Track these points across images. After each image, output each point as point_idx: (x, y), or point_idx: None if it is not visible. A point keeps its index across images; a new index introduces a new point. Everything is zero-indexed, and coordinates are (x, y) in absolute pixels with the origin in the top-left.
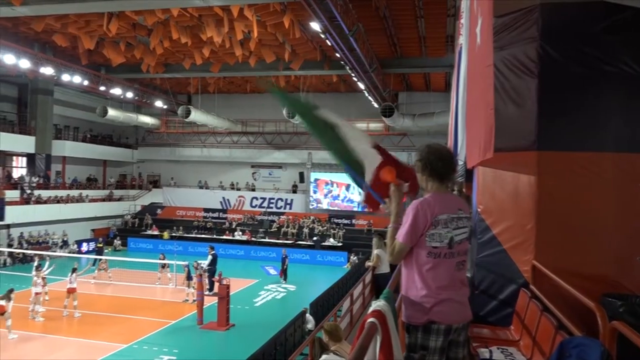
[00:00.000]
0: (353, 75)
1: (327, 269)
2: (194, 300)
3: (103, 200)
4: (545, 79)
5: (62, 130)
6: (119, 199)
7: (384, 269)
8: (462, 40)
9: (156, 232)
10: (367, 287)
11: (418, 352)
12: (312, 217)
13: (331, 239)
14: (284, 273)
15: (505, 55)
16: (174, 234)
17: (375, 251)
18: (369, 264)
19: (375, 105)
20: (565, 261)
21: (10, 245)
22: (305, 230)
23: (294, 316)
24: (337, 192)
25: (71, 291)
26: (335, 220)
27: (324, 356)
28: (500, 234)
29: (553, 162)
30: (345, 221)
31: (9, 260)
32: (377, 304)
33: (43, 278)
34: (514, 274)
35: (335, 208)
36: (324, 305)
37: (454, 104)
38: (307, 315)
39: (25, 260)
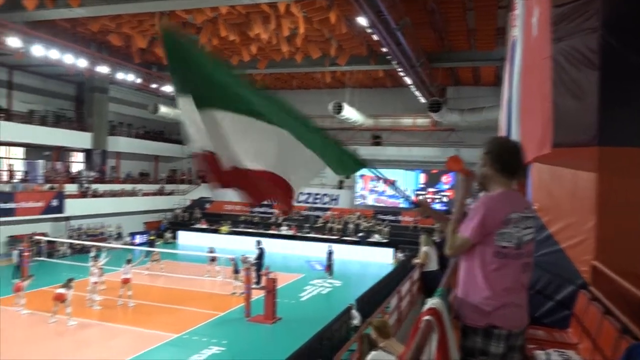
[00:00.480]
0: (400, 70)
1: (373, 265)
2: (242, 293)
3: (155, 194)
4: (606, 71)
5: (116, 126)
6: (170, 193)
7: (432, 266)
8: (516, 32)
9: (205, 226)
10: (415, 285)
11: (477, 357)
12: (357, 213)
13: (377, 235)
14: (329, 268)
15: (563, 46)
16: (234, 229)
17: (423, 248)
18: (416, 261)
19: (422, 100)
20: (629, 262)
21: (69, 237)
22: (351, 226)
23: (340, 312)
24: (383, 188)
25: (125, 281)
26: (381, 217)
27: (372, 352)
28: (557, 233)
29: (615, 158)
30: (391, 217)
31: (68, 250)
32: (433, 302)
33: (100, 268)
34: (572, 275)
35: (381, 204)
36: (370, 302)
37: (506, 98)
38: (353, 311)
39: (83, 251)
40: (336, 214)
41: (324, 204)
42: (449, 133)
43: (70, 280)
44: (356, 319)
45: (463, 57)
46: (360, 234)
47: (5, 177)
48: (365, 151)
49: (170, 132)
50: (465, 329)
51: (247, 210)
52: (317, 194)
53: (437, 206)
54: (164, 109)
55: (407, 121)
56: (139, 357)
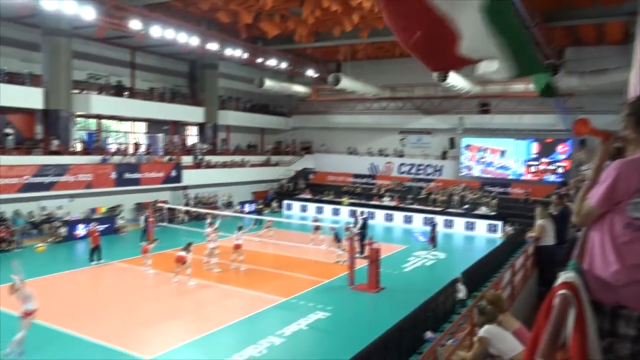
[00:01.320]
0: None
1: (479, 238)
2: (344, 261)
3: (261, 165)
4: None
5: (225, 101)
6: (276, 165)
7: (549, 240)
8: None
9: (309, 196)
10: (529, 259)
11: (605, 339)
12: (462, 185)
13: (483, 208)
14: (433, 240)
15: None
16: (335, 199)
17: (539, 221)
18: (531, 234)
19: None
20: None
21: (187, 205)
22: (456, 197)
23: (445, 284)
24: (491, 158)
25: (237, 247)
26: (488, 188)
27: (487, 326)
28: None
29: None
30: (500, 189)
31: (186, 217)
32: (567, 276)
33: (215, 233)
34: None
35: (489, 175)
36: (476, 276)
37: None
38: (459, 284)
39: (199, 218)
40: (440, 185)
41: (428, 175)
42: (566, 98)
43: (189, 244)
44: (462, 292)
45: (585, 14)
46: (466, 206)
47: (131, 150)
48: (472, 120)
49: (275, 105)
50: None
51: (350, 181)
52: (420, 165)
53: (552, 178)
54: (268, 83)
55: (518, 87)
56: (252, 317)
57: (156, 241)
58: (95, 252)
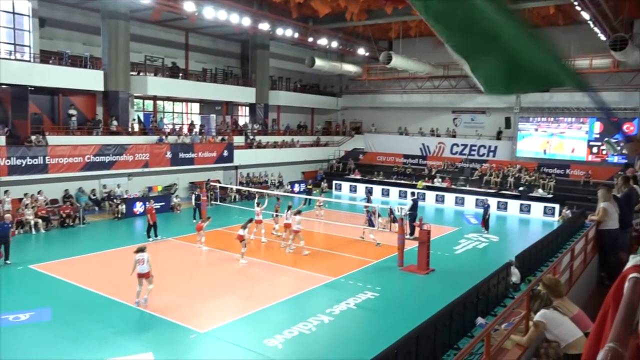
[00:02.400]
0: (576, 3)
1: (534, 221)
2: (378, 244)
3: (311, 145)
4: None
5: (276, 81)
6: (325, 145)
7: (612, 224)
8: None
9: (358, 177)
10: (590, 244)
11: None
12: (518, 166)
13: (540, 190)
14: (485, 223)
15: None
16: (386, 180)
17: (601, 204)
18: (592, 217)
19: (603, 37)
20: None
21: (241, 183)
22: (510, 179)
23: (499, 267)
24: (549, 138)
25: (287, 226)
26: (546, 170)
27: (543, 310)
28: None
29: None
30: (558, 171)
31: (237, 196)
32: (638, 259)
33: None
34: None
35: (546, 156)
36: (531, 259)
37: None
38: (513, 267)
39: (250, 197)
40: (494, 167)
41: (481, 155)
42: (635, 74)
43: (250, 220)
44: (515, 276)
45: None
46: (521, 188)
47: (185, 130)
48: (530, 98)
49: (325, 85)
50: None
51: (400, 162)
52: (473, 145)
53: (615, 159)
54: (319, 62)
55: (582, 63)
56: (301, 295)
57: (209, 219)
58: (152, 229)
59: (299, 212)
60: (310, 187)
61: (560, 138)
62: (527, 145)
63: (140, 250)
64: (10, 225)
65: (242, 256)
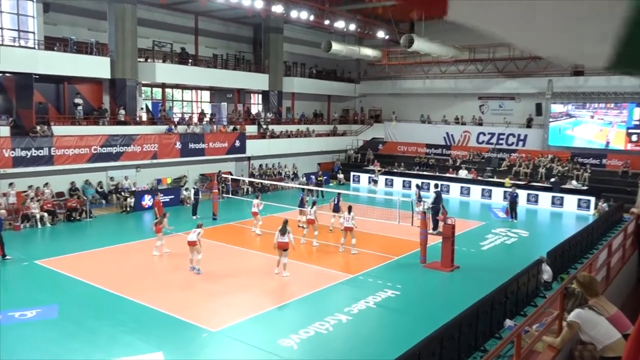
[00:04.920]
0: None
1: (568, 215)
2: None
3: (328, 135)
4: None
5: (290, 67)
6: (342, 134)
7: None
8: None
9: (377, 168)
10: (629, 239)
11: None
12: (550, 156)
13: (573, 182)
14: (510, 212)
15: None
16: (408, 171)
17: None
18: (634, 210)
19: None
20: None
21: (252, 175)
22: (541, 170)
23: (529, 264)
24: (584, 126)
25: (310, 222)
26: (580, 160)
27: (578, 310)
28: None
29: None
30: (593, 161)
31: (250, 189)
32: None
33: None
34: None
35: (580, 145)
36: (564, 256)
37: None
38: (544, 264)
39: (263, 190)
40: (524, 157)
41: (510, 145)
42: None
43: (314, 203)
44: (547, 273)
45: None
46: (553, 180)
47: (195, 120)
48: (563, 83)
49: (342, 71)
50: None
51: (422, 152)
52: (501, 134)
53: None
54: (336, 46)
55: None
56: (318, 293)
57: (166, 215)
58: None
59: (314, 204)
60: (321, 179)
61: (595, 125)
62: (560, 133)
63: (198, 226)
64: (2, 221)
65: (315, 239)
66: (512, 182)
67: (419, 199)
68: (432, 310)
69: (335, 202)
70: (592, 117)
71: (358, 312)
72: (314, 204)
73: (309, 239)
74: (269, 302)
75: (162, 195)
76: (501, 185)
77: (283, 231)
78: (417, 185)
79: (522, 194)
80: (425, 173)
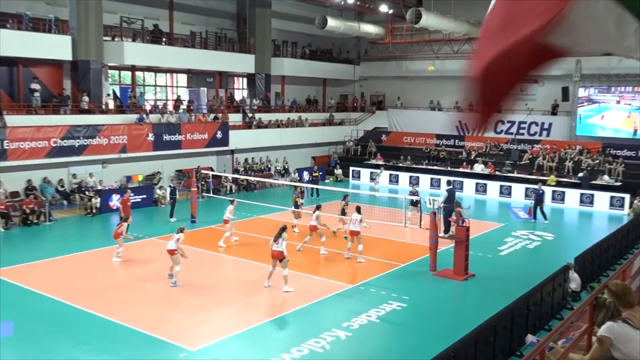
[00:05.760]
0: None
1: (599, 215)
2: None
3: (323, 124)
4: None
5: (280, 46)
6: (340, 123)
7: None
8: None
9: (380, 162)
10: None
11: None
12: (578, 147)
13: (605, 177)
14: (542, 214)
15: None
16: (415, 166)
17: None
18: None
19: None
20: None
21: (236, 171)
22: (568, 163)
23: (554, 272)
24: (617, 113)
25: (313, 229)
26: (613, 152)
27: (609, 323)
28: None
29: None
30: (629, 153)
31: (234, 187)
32: None
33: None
34: None
35: (613, 135)
36: (594, 262)
37: None
38: (572, 272)
39: (249, 188)
40: (548, 148)
41: (532, 134)
42: None
43: (318, 207)
44: (575, 282)
45: None
46: (581, 175)
47: (170, 108)
48: (593, 64)
49: (339, 51)
50: None
51: (432, 143)
52: (522, 122)
53: None
54: (332, 22)
55: None
56: (313, 306)
57: (129, 221)
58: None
59: (318, 207)
60: (317, 175)
61: (631, 112)
62: (590, 121)
63: (178, 231)
64: None
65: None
66: (557, 179)
67: (413, 202)
68: (443, 325)
69: (345, 204)
70: (617, 102)
71: (359, 328)
72: (317, 208)
73: (314, 247)
74: (257, 317)
75: (132, 194)
76: (524, 181)
77: (276, 238)
78: (412, 180)
79: (547, 191)
80: (435, 168)
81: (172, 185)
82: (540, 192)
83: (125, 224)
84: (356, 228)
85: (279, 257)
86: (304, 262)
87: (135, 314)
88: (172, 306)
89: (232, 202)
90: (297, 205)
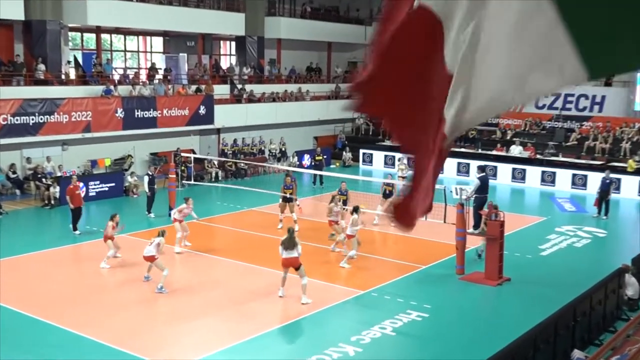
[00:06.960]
0: None
1: None
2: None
3: (328, 97)
4: None
5: (275, 3)
6: (348, 97)
7: None
8: None
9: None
10: None
11: None
12: (637, 124)
13: None
14: (606, 207)
15: None
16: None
17: None
18: None
19: None
20: None
21: (223, 154)
22: (625, 145)
23: (606, 275)
24: None
25: (331, 224)
26: None
27: None
28: None
29: None
30: None
31: (220, 173)
32: None
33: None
34: None
35: None
36: None
37: None
38: (628, 276)
39: (239, 174)
40: (600, 126)
41: (581, 110)
42: None
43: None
44: (632, 288)
45: None
46: None
47: (143, 77)
48: None
49: (347, 8)
50: None
51: None
52: (569, 95)
53: None
54: None
55: None
56: (316, 316)
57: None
58: (77, 220)
59: (356, 210)
60: (320, 158)
61: None
62: None
63: (159, 234)
64: None
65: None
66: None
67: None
68: (473, 339)
69: (340, 193)
70: None
71: (370, 342)
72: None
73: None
74: (250, 329)
75: (77, 180)
76: (571, 166)
77: (290, 245)
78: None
79: (595, 177)
80: (462, 150)
81: (150, 173)
82: (608, 181)
83: (111, 223)
84: (352, 232)
85: (295, 265)
86: (306, 263)
87: (105, 325)
88: (148, 315)
89: (186, 200)
90: (286, 199)
